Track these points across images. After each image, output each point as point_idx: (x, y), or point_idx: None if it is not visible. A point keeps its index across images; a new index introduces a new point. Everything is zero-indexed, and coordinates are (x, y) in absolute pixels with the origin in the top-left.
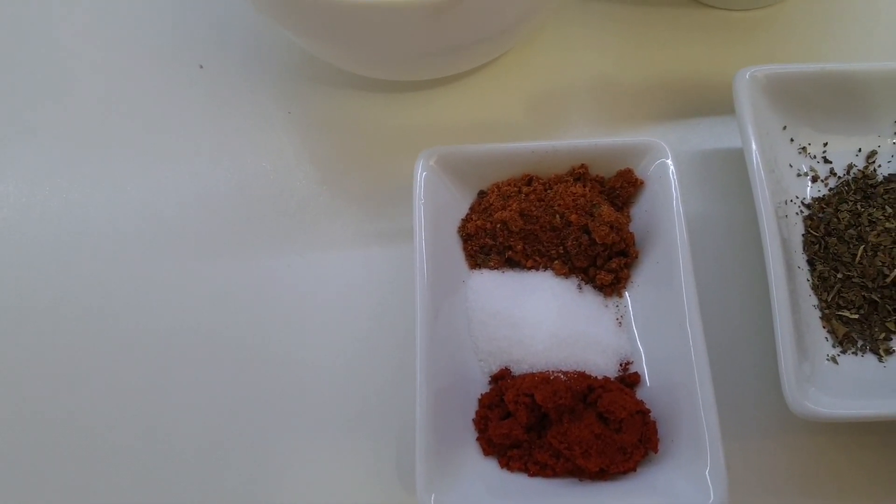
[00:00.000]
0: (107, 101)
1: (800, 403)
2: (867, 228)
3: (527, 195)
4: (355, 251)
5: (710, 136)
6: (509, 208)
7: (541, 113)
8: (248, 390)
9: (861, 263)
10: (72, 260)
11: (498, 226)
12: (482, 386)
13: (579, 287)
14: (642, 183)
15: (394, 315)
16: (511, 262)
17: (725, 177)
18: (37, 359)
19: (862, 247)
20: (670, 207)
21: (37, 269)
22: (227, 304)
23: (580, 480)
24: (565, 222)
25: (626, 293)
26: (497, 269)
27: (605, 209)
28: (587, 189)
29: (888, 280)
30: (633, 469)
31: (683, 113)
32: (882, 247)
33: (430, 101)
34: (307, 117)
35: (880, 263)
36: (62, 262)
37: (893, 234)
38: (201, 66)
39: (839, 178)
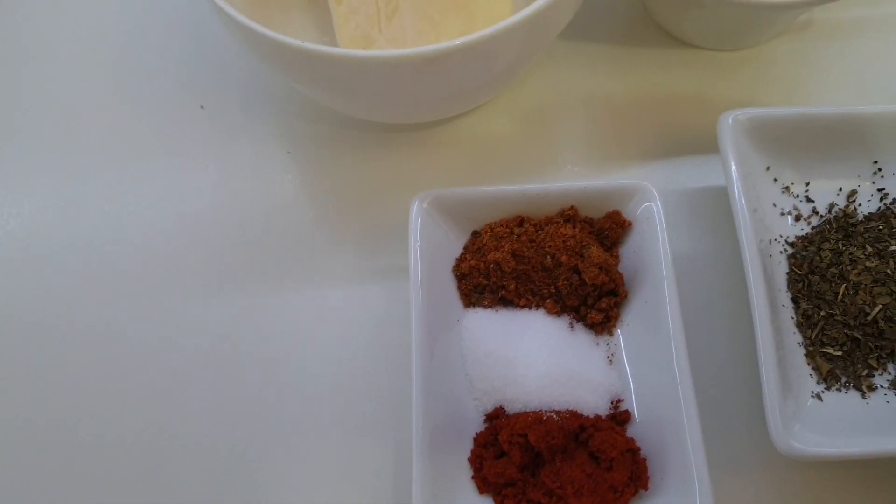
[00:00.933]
0: (110, 142)
1: (786, 443)
2: (848, 267)
3: (519, 236)
4: (352, 287)
5: (696, 173)
6: (502, 249)
7: (532, 150)
8: (245, 423)
9: (843, 302)
10: (72, 293)
11: (491, 266)
12: (477, 423)
13: (571, 325)
14: (630, 224)
15: (390, 350)
16: (504, 301)
17: (711, 214)
18: (36, 382)
19: (844, 285)
20: (657, 248)
21: (39, 300)
22: (227, 340)
23: None
24: (556, 263)
25: (617, 331)
26: (490, 307)
27: (595, 250)
28: (577, 230)
29: (869, 318)
30: None
31: (670, 151)
32: (863, 285)
33: (425, 141)
34: (305, 157)
35: (861, 302)
36: (63, 295)
37: (873, 273)
38: (202, 107)
39: (821, 216)
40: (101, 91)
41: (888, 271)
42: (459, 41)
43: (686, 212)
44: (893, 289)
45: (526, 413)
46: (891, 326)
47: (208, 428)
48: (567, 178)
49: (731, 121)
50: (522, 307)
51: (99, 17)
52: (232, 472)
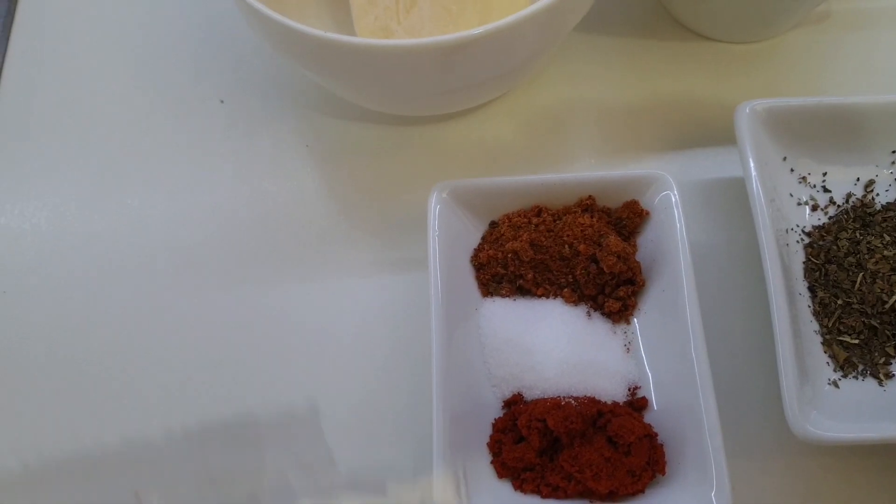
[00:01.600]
0: (131, 136)
1: (802, 427)
2: (866, 256)
3: (536, 226)
4: (372, 279)
5: (713, 164)
6: (520, 239)
7: (549, 144)
8: (266, 416)
9: (860, 290)
10: (95, 287)
11: (509, 255)
12: (495, 410)
13: (588, 314)
14: (648, 213)
15: (410, 340)
16: (522, 290)
17: (728, 205)
18: (60, 375)
19: (861, 274)
20: (675, 238)
21: (62, 295)
22: (249, 331)
23: (591, 502)
24: (574, 252)
25: (634, 320)
26: (508, 296)
27: (613, 239)
28: (595, 220)
29: (887, 306)
30: (642, 491)
31: (687, 142)
32: (880, 274)
33: (443, 133)
34: (325, 150)
35: (879, 290)
36: (86, 290)
37: (891, 262)
38: (222, 101)
39: (838, 206)
40: (123, 87)
41: None
42: (478, 30)
43: (703, 202)
44: None
45: (544, 399)
46: None
47: (230, 417)
48: (583, 170)
49: (748, 111)
50: (540, 296)
51: (119, 13)
52: (253, 459)
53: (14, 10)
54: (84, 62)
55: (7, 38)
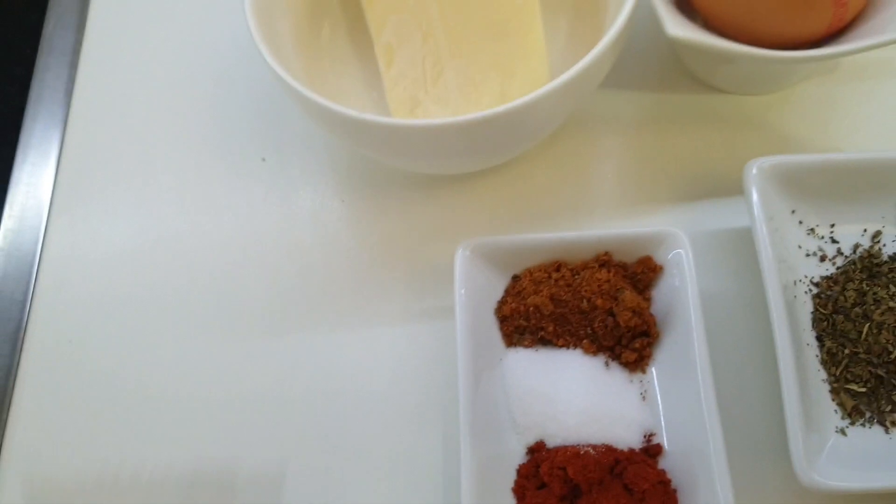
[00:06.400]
0: (180, 192)
1: (809, 477)
2: (872, 307)
3: (556, 281)
4: (402, 328)
5: (725, 215)
6: (541, 293)
7: (568, 198)
8: (299, 462)
9: (867, 340)
10: (151, 331)
11: (531, 309)
12: (520, 456)
13: (606, 364)
14: (661, 268)
15: (438, 388)
16: (543, 341)
17: (739, 254)
18: (99, 416)
19: (867, 324)
20: (686, 292)
21: (120, 342)
22: (287, 377)
23: None
24: (592, 306)
25: (650, 370)
26: (531, 347)
27: (628, 295)
28: (611, 274)
29: (893, 356)
30: None
31: (701, 194)
32: (886, 325)
33: (468, 189)
34: (358, 206)
35: (885, 341)
36: (125, 345)
37: None
38: (264, 160)
39: (846, 257)
40: (173, 145)
41: None
42: (503, 108)
43: (715, 253)
44: None
45: (565, 447)
46: None
47: (261, 464)
48: (601, 221)
49: (755, 170)
50: (561, 347)
51: (169, 80)
52: None
53: (75, 76)
54: (141, 123)
55: (69, 103)
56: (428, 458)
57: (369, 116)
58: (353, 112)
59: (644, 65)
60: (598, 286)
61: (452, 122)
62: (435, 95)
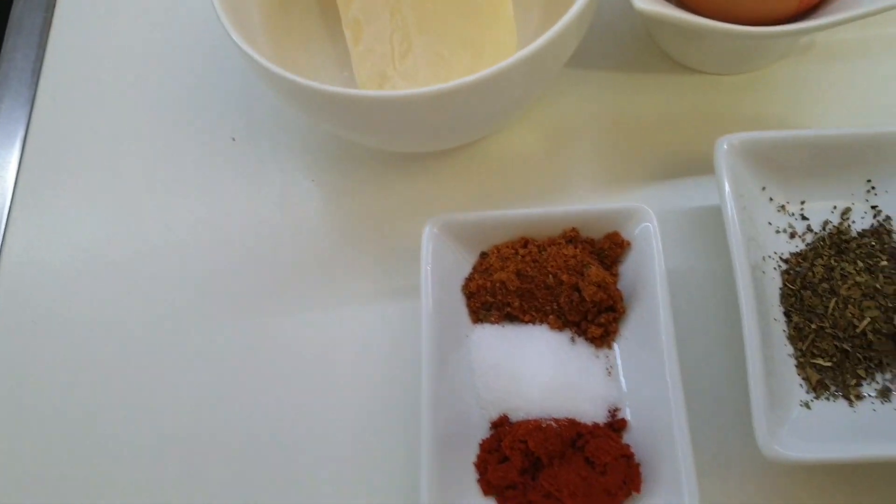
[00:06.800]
0: (149, 172)
1: (770, 447)
2: (839, 282)
3: (523, 257)
4: (371, 306)
5: (696, 193)
6: (507, 269)
7: (539, 176)
8: (264, 440)
9: (833, 315)
10: (116, 312)
11: (497, 285)
12: (484, 431)
13: (572, 340)
14: (629, 244)
15: (405, 365)
16: (510, 317)
17: (709, 232)
18: (64, 399)
19: (834, 300)
20: (653, 267)
21: (84, 324)
22: (254, 358)
23: None
24: (558, 281)
25: (616, 345)
26: (497, 323)
27: (594, 270)
28: (578, 250)
29: (858, 330)
30: None
31: (672, 172)
32: (852, 299)
33: (439, 168)
34: (329, 185)
35: (850, 315)
36: (93, 326)
37: (863, 288)
38: (233, 139)
39: (815, 234)
40: (142, 125)
41: (877, 286)
42: (469, 79)
43: (685, 230)
44: (882, 302)
45: (528, 421)
46: (879, 338)
47: (226, 442)
48: (572, 199)
49: (726, 146)
50: (527, 323)
51: (139, 60)
52: (247, 485)
53: (43, 56)
54: (108, 104)
55: (36, 83)
56: (393, 436)
57: (332, 88)
58: (316, 84)
59: (618, 45)
60: (565, 262)
61: (416, 93)
62: (403, 71)
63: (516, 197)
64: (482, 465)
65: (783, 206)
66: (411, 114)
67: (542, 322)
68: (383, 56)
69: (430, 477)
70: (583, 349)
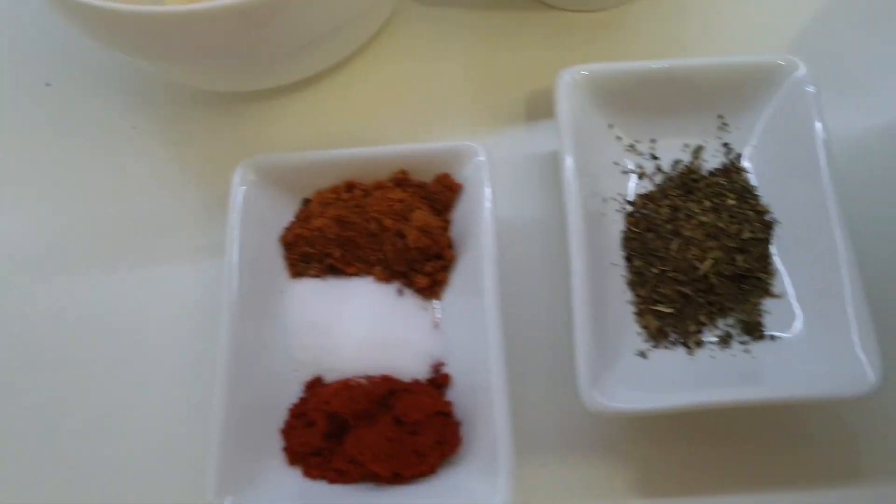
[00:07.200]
0: None
1: (592, 398)
2: (683, 222)
3: (346, 202)
4: (195, 264)
5: (545, 137)
6: (326, 215)
7: (381, 121)
8: (66, 408)
9: (675, 258)
10: None
11: (316, 233)
12: (297, 395)
13: (400, 291)
14: (461, 187)
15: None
16: (335, 270)
17: (551, 179)
18: None
19: (677, 241)
20: (482, 212)
21: None
22: (62, 324)
23: (377, 485)
24: (381, 227)
25: (445, 296)
26: (319, 276)
27: (418, 214)
28: (407, 194)
29: (700, 273)
30: (433, 471)
31: (524, 116)
32: (694, 240)
33: (275, 109)
34: (152, 132)
35: (692, 256)
36: None
37: (707, 228)
38: (48, 84)
39: (665, 174)
40: None
41: (721, 225)
42: None
43: (532, 176)
44: (726, 243)
45: (336, 381)
46: (721, 281)
47: (25, 408)
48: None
49: (568, 79)
50: (352, 275)
51: None
52: (45, 452)
53: None
54: None
55: None
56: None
57: (127, 7)
58: (109, 4)
59: None
60: (389, 206)
61: (225, 4)
62: None
63: (355, 141)
64: (289, 432)
65: (632, 146)
66: (216, 32)
67: (368, 274)
68: None
69: (220, 449)
70: (409, 302)
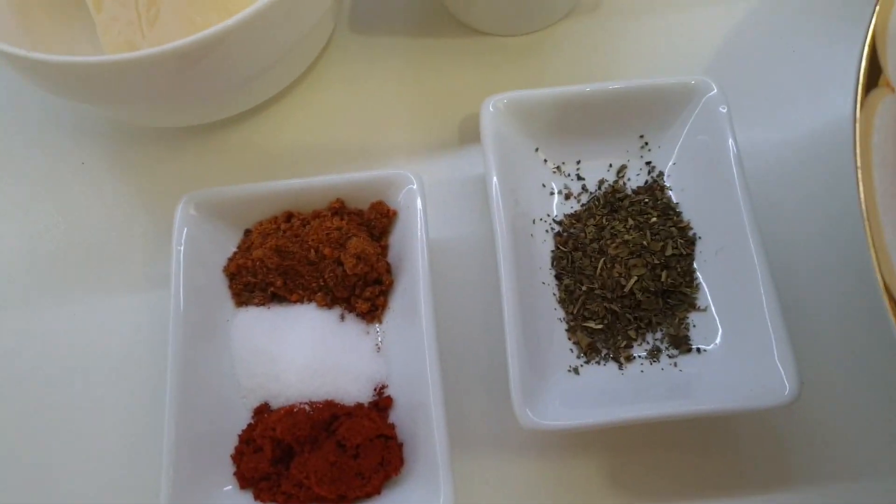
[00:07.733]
0: None
1: (525, 416)
2: (608, 241)
3: (284, 231)
4: (138, 295)
5: (477, 161)
6: (265, 246)
7: (320, 149)
8: (13, 438)
9: (601, 276)
10: None
11: (257, 263)
12: (246, 422)
13: (342, 317)
14: (395, 213)
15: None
16: (278, 298)
17: (483, 201)
18: None
19: (602, 259)
20: (415, 236)
21: None
22: (14, 351)
23: None
24: (320, 256)
25: (386, 319)
26: (262, 305)
27: (354, 241)
28: (344, 222)
29: (626, 290)
30: (377, 492)
31: (455, 140)
32: (619, 258)
33: (219, 144)
34: (100, 167)
35: (617, 274)
36: None
37: (630, 246)
38: None
39: (591, 193)
40: None
41: (644, 243)
42: (209, 31)
43: (463, 200)
44: (649, 260)
45: (281, 408)
46: (647, 297)
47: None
48: (351, 170)
49: (491, 108)
50: (295, 302)
51: None
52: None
53: None
54: None
55: None
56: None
57: (62, 58)
58: (23, 52)
59: (405, 9)
60: (327, 234)
61: (160, 51)
62: (153, 39)
63: (295, 170)
64: (238, 457)
65: (559, 167)
66: (155, 76)
67: (310, 300)
68: (129, 23)
69: (171, 476)
70: (352, 326)
